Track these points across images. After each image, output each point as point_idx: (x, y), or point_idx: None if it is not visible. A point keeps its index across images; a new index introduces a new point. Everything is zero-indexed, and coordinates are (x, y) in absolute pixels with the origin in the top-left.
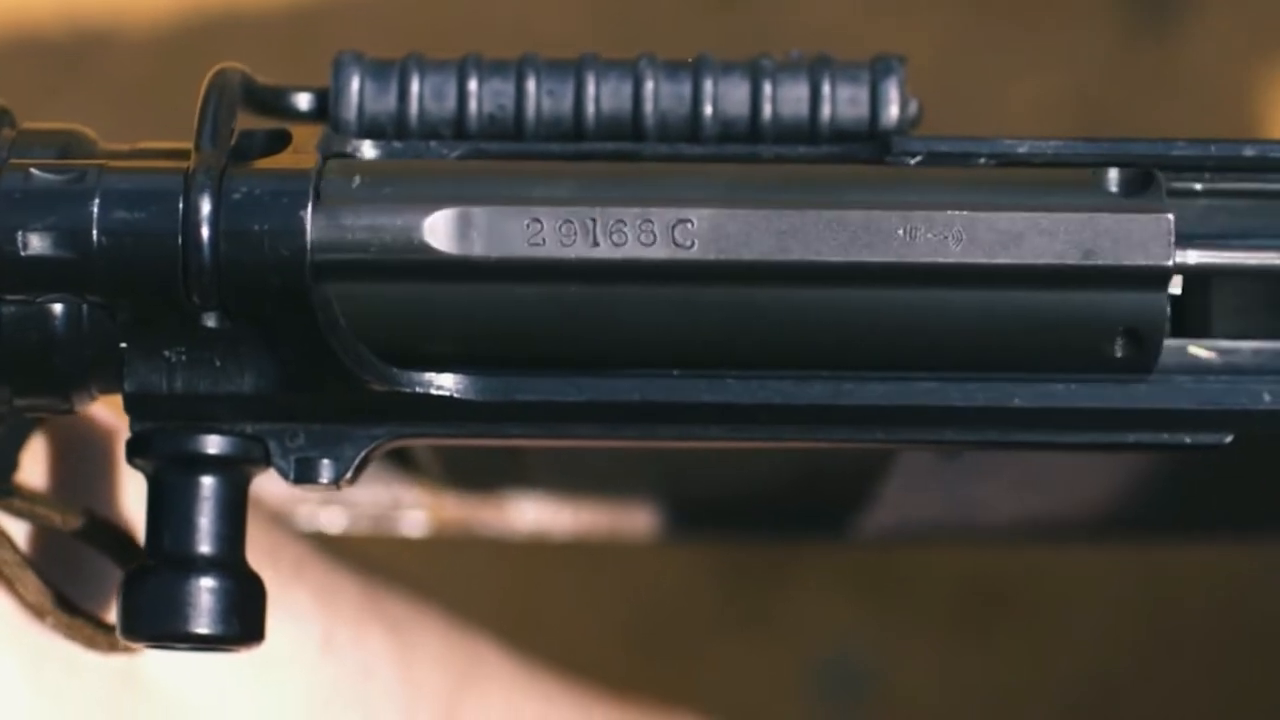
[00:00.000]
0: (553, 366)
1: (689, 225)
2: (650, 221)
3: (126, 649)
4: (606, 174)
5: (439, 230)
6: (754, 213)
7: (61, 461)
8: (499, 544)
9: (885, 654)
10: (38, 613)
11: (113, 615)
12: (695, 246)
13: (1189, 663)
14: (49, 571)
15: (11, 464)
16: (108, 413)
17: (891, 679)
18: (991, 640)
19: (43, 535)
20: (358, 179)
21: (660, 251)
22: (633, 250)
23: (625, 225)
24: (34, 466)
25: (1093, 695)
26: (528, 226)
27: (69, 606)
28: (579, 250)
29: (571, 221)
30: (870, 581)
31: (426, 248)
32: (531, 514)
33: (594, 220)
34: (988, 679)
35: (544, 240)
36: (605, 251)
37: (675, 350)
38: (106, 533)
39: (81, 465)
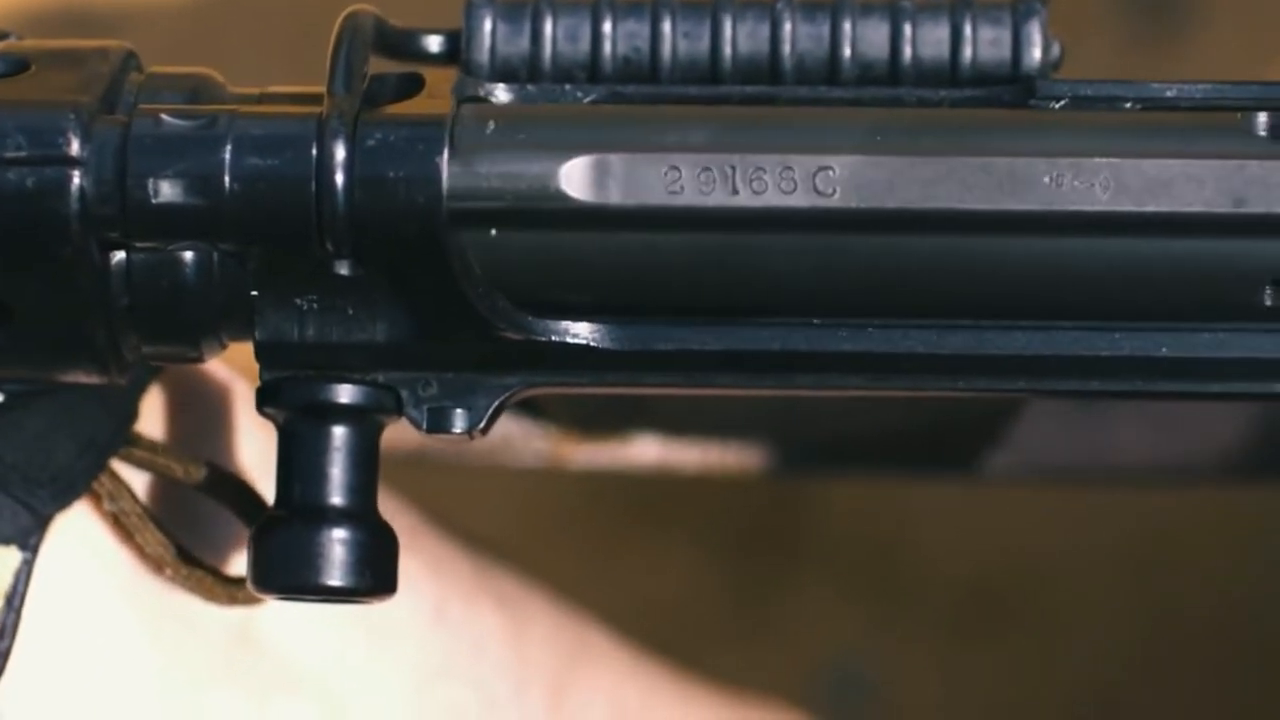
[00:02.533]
0: (689, 315)
1: (830, 173)
2: (791, 169)
3: (246, 601)
4: (745, 119)
5: (575, 178)
6: (897, 159)
7: (179, 413)
8: (501, 543)
9: (888, 662)
10: (156, 565)
11: (232, 568)
12: (837, 194)
13: (1192, 671)
14: (168, 523)
15: (132, 413)
16: (223, 367)
17: (894, 687)
18: (995, 648)
19: (162, 486)
20: (491, 124)
21: (801, 200)
22: (773, 199)
23: (765, 173)
24: (153, 418)
25: (1096, 703)
26: (665, 174)
27: (188, 558)
28: (718, 199)
29: (710, 169)
30: (874, 589)
31: (563, 196)
32: (655, 450)
33: (733, 168)
34: (991, 687)
35: (682, 188)
36: (745, 200)
37: (813, 300)
38: (228, 485)
39: (198, 418)
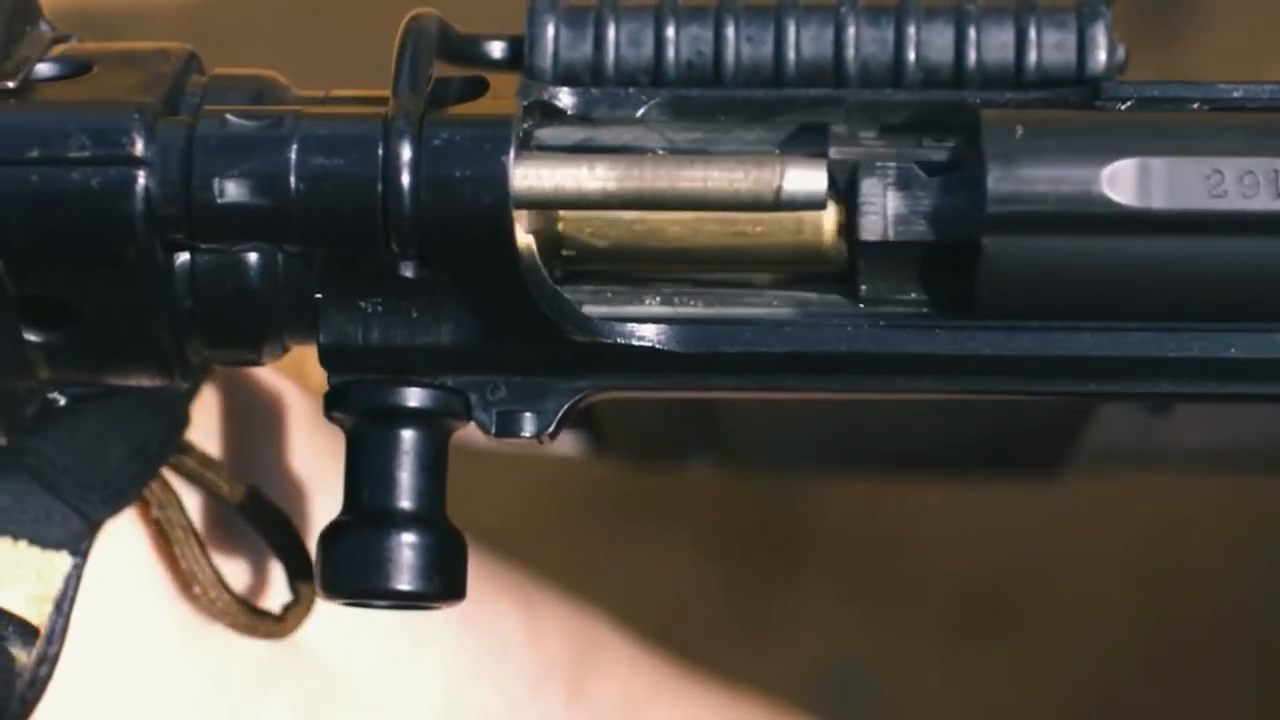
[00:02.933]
0: (1186, 319)
1: None
2: None
3: (267, 634)
4: (1275, 124)
5: (1119, 182)
6: None
7: (228, 424)
8: (502, 541)
9: (889, 661)
10: (186, 581)
11: (262, 600)
12: None
13: (1194, 671)
14: (214, 536)
15: (183, 420)
16: (273, 376)
17: (896, 686)
18: (995, 650)
19: (206, 506)
20: (1019, 130)
21: None
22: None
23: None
24: (203, 428)
25: (1098, 702)
26: (1209, 178)
27: (219, 581)
28: (1262, 202)
29: (1253, 172)
30: (875, 589)
31: (1106, 200)
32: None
33: (1276, 171)
34: (992, 686)
35: (1225, 192)
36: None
37: None
38: (265, 511)
39: (248, 429)
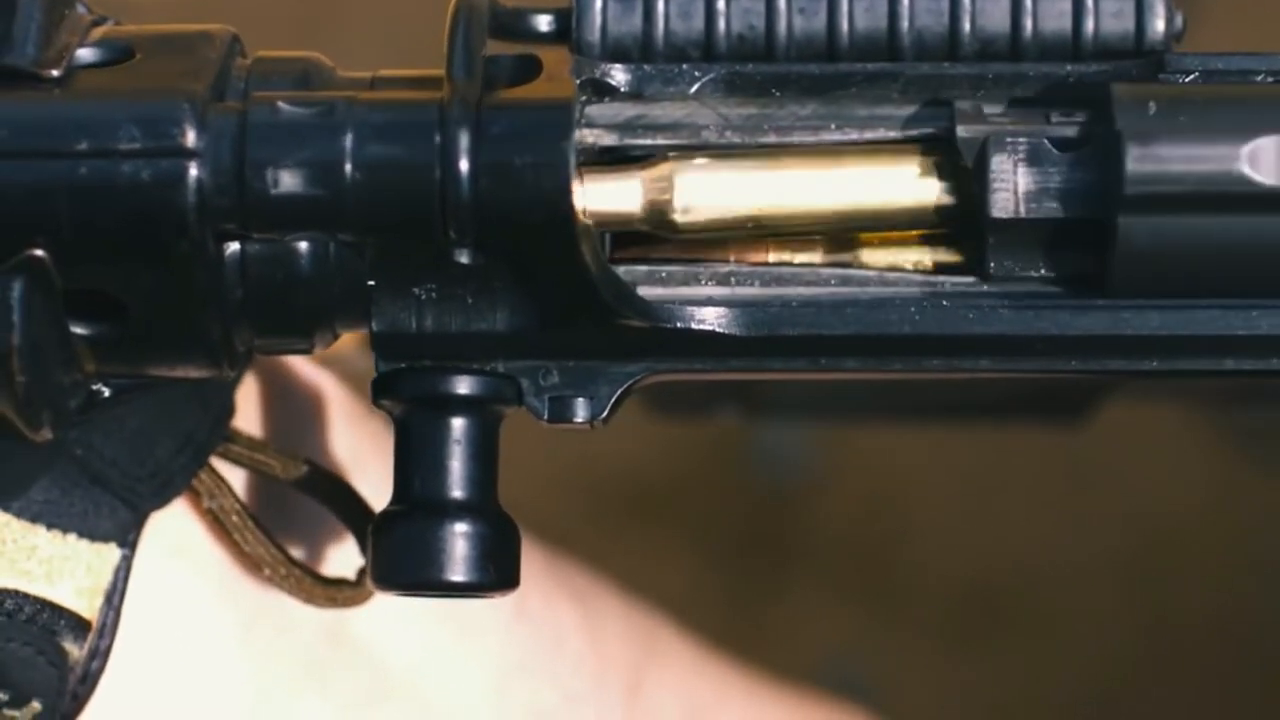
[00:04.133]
0: None
1: None
2: None
3: (344, 603)
4: None
5: (1260, 160)
6: None
7: (269, 410)
8: None
9: (885, 664)
10: (254, 564)
11: (328, 567)
12: None
13: (1189, 674)
14: (264, 522)
15: (228, 408)
16: (309, 362)
17: (891, 689)
18: (992, 651)
19: (257, 485)
20: (1152, 105)
21: None
22: None
23: None
24: (243, 415)
25: (1093, 704)
26: None
27: (287, 558)
28: None
29: None
30: (871, 592)
31: (1245, 180)
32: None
33: None
34: (987, 689)
35: None
36: None
37: None
38: (326, 482)
39: (288, 414)
